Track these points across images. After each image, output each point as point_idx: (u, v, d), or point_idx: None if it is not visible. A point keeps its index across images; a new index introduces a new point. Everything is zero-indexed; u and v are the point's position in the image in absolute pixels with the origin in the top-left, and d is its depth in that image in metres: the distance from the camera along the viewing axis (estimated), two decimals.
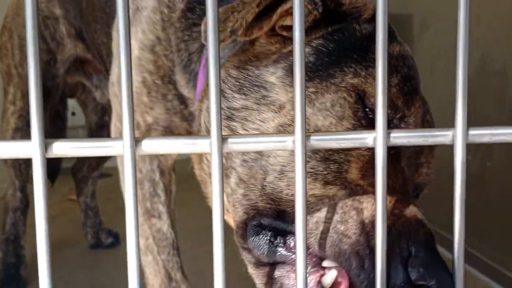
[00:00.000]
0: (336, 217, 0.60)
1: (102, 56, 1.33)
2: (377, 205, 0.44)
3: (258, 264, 0.66)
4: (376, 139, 0.44)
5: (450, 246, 0.47)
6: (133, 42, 0.88)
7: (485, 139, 0.44)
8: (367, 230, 0.58)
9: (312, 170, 0.62)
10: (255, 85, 0.68)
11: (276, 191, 0.64)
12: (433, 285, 0.53)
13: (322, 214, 0.61)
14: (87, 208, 1.88)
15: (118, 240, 1.85)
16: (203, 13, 0.86)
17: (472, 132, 0.44)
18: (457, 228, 0.45)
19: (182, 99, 0.90)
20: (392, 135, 0.44)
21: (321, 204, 0.62)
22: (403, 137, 0.44)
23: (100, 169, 1.89)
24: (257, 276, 0.66)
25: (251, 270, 0.67)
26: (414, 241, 0.57)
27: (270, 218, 0.65)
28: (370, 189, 0.61)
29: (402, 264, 0.55)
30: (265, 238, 0.64)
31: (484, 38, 1.47)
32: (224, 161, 0.68)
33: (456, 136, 0.44)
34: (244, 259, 0.68)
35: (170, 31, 0.87)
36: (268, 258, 0.64)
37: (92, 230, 1.86)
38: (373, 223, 0.58)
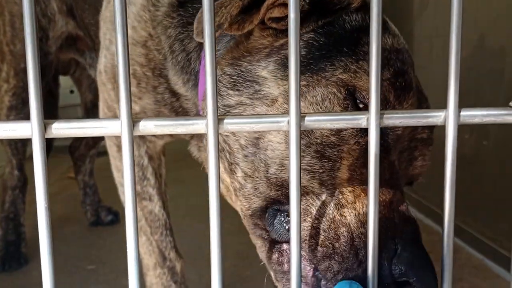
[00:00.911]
0: (324, 226, 0.62)
1: (91, 36, 1.33)
2: (369, 195, 0.45)
3: (270, 241, 0.68)
4: (369, 119, 0.44)
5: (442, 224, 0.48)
6: None
7: (477, 120, 0.44)
8: (355, 243, 0.60)
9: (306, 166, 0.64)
10: (248, 80, 0.70)
11: (281, 181, 0.66)
12: (414, 282, 0.55)
13: (307, 224, 0.64)
14: (85, 186, 1.89)
15: (117, 217, 1.86)
16: (197, 12, 0.86)
17: (464, 113, 0.44)
18: (447, 208, 0.46)
19: (174, 93, 0.90)
20: (385, 116, 0.45)
21: (305, 215, 0.64)
22: (395, 118, 0.45)
23: (97, 147, 1.90)
24: (264, 251, 0.69)
25: (261, 247, 0.70)
26: (400, 237, 0.59)
27: (285, 204, 0.67)
28: (352, 194, 0.63)
29: (387, 261, 0.57)
30: (281, 220, 0.67)
31: (483, 17, 1.47)
32: (228, 156, 0.70)
33: (448, 117, 0.44)
34: (255, 238, 0.70)
35: (159, 30, 0.87)
36: (282, 237, 0.67)
37: (92, 208, 1.87)
38: (358, 231, 0.60)
